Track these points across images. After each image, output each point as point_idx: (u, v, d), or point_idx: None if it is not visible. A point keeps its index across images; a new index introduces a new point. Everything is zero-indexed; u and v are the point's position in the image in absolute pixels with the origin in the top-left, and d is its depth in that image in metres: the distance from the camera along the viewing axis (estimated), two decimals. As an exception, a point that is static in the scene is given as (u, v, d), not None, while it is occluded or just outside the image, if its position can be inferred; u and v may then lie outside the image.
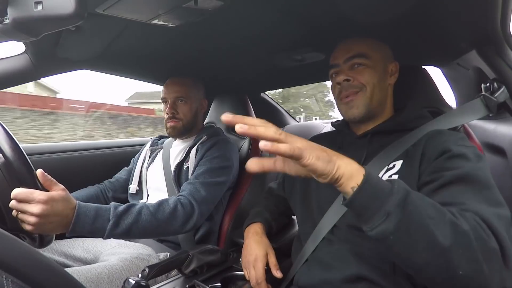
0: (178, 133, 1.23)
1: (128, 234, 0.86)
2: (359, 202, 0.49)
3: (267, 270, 0.80)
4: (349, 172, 0.49)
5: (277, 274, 0.79)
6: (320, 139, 0.94)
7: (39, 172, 0.73)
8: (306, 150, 0.47)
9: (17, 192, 0.69)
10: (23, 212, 0.70)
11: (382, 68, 0.79)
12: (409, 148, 0.70)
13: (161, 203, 0.96)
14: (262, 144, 0.46)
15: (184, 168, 1.18)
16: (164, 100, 1.24)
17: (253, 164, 0.48)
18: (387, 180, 0.51)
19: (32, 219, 0.69)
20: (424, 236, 0.47)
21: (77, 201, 0.79)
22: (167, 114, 1.22)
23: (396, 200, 0.48)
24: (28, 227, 0.70)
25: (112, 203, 0.87)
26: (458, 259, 0.47)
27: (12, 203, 0.70)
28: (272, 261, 0.81)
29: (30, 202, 0.69)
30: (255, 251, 0.82)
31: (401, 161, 0.69)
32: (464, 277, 0.47)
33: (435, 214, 0.49)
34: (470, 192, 0.56)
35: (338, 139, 0.86)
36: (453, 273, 0.47)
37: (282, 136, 0.47)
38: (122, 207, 0.87)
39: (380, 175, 0.70)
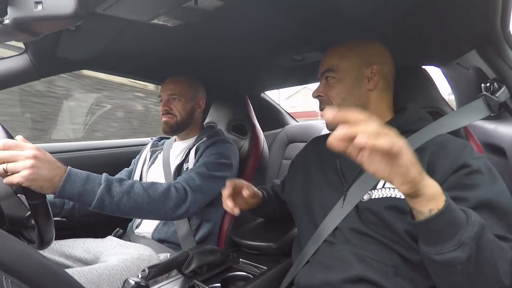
0: (171, 129, 1.23)
1: (118, 205, 0.84)
2: (434, 226, 0.49)
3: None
4: (432, 193, 0.49)
5: (244, 193, 0.81)
6: (322, 140, 0.94)
7: (19, 138, 0.72)
8: (405, 149, 0.44)
9: (6, 140, 0.67)
10: (14, 160, 0.67)
11: (353, 77, 0.78)
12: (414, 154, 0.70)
13: (154, 182, 0.95)
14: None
15: (184, 169, 1.18)
16: (160, 99, 1.26)
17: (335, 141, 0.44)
18: (461, 209, 0.51)
19: (27, 162, 0.67)
20: (490, 272, 0.49)
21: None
22: (161, 111, 1.23)
23: (472, 233, 0.48)
24: (24, 173, 0.66)
25: (104, 173, 0.86)
26: None
27: (1, 153, 0.66)
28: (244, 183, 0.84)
29: (23, 149, 0.68)
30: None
31: None
32: None
33: (498, 251, 0.50)
34: (496, 221, 0.58)
35: None
36: None
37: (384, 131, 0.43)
38: (114, 177, 0.87)
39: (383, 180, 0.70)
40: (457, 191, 0.61)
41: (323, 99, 0.82)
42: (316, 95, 0.84)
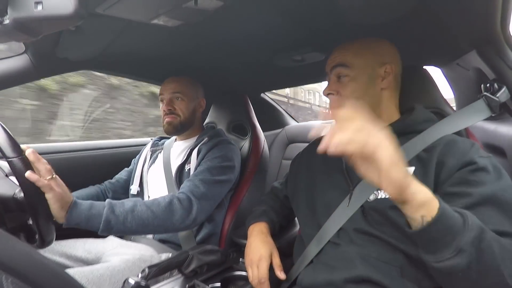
0: (174, 129, 1.22)
1: (125, 224, 0.86)
2: (429, 235, 0.48)
3: (269, 270, 0.80)
4: (422, 199, 0.48)
5: (281, 275, 0.79)
6: None
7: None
8: (382, 148, 0.45)
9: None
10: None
11: (368, 75, 0.77)
12: (421, 154, 0.69)
13: (155, 199, 0.96)
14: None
15: (186, 170, 1.17)
16: (162, 98, 1.24)
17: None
18: (457, 212, 0.51)
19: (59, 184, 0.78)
20: (493, 275, 0.48)
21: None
22: (164, 111, 1.22)
23: (470, 238, 0.47)
24: (59, 190, 0.77)
25: (107, 199, 0.89)
26: None
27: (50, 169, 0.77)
28: (277, 261, 0.81)
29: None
30: (260, 250, 0.82)
31: (412, 168, 0.68)
32: None
33: (501, 252, 0.49)
34: (503, 216, 0.56)
35: None
36: None
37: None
38: (115, 201, 0.90)
39: None
40: (461, 186, 0.61)
41: (336, 98, 0.79)
42: (327, 93, 0.80)
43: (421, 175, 0.66)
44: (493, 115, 0.78)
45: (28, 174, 0.72)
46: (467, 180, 0.61)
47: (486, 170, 0.61)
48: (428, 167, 0.66)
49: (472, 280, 0.48)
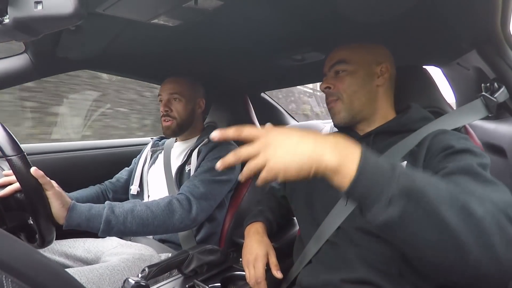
0: (172, 132, 1.23)
1: (125, 224, 0.87)
2: (355, 194, 0.47)
3: (267, 270, 0.80)
4: (335, 163, 0.48)
5: (278, 274, 0.79)
6: None
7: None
8: (274, 142, 0.51)
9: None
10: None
11: (365, 71, 0.79)
12: (414, 149, 0.70)
13: (154, 200, 0.97)
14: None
15: (186, 171, 1.17)
16: (160, 99, 1.24)
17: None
18: (389, 163, 0.48)
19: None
20: (433, 222, 0.44)
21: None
22: (161, 112, 1.22)
23: (398, 188, 0.44)
24: (58, 187, 0.80)
25: (106, 201, 0.91)
26: (470, 245, 0.44)
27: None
28: (273, 261, 0.81)
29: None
30: (256, 250, 0.82)
31: (405, 162, 0.69)
32: (476, 262, 0.44)
33: (447, 197, 0.45)
34: (477, 184, 0.53)
35: None
36: (464, 258, 0.44)
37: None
38: (115, 202, 0.91)
39: None
40: (439, 165, 0.61)
41: (332, 92, 0.80)
42: (324, 86, 0.81)
43: (412, 167, 0.67)
44: (489, 115, 0.78)
45: (33, 170, 0.72)
46: (445, 161, 0.61)
47: (468, 151, 0.61)
48: (418, 159, 0.67)
49: (414, 234, 0.45)
